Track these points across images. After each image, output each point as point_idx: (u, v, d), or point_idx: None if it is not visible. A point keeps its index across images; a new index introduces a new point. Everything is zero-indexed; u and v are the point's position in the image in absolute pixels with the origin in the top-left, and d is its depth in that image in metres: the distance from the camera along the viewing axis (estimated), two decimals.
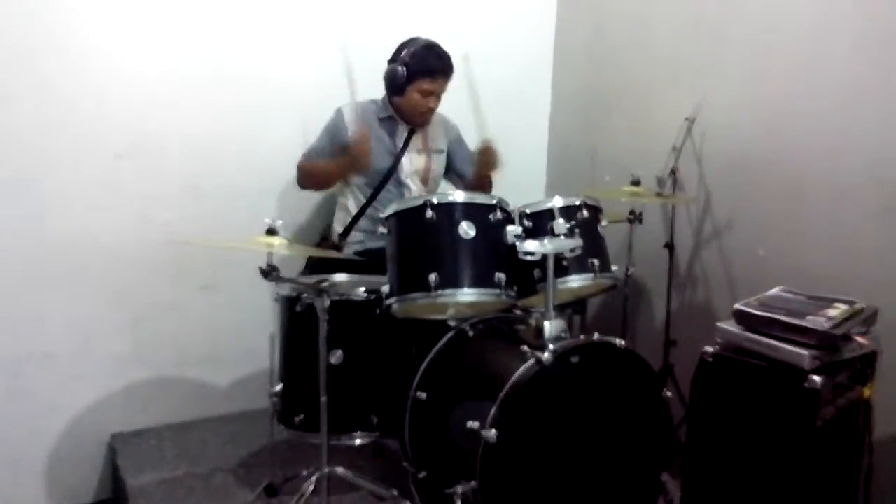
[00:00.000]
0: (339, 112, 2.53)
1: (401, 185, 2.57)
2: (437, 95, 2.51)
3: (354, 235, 2.56)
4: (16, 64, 2.31)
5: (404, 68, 2.43)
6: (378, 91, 2.56)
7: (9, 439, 2.42)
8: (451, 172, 2.74)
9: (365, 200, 2.54)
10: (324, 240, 2.69)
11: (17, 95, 2.32)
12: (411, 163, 2.60)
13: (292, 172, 2.76)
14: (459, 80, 2.52)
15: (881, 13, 2.03)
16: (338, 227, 2.61)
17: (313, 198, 2.81)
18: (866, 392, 1.75)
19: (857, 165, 2.10)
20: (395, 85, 2.47)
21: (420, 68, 2.43)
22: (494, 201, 1.93)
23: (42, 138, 2.37)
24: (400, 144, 2.57)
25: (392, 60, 2.49)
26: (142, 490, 2.25)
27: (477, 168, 2.63)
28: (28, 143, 2.36)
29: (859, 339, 1.72)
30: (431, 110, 2.53)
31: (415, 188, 2.59)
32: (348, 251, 2.52)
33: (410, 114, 2.53)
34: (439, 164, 2.69)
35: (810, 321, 1.70)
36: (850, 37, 2.11)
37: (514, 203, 2.02)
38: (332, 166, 2.49)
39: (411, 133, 2.58)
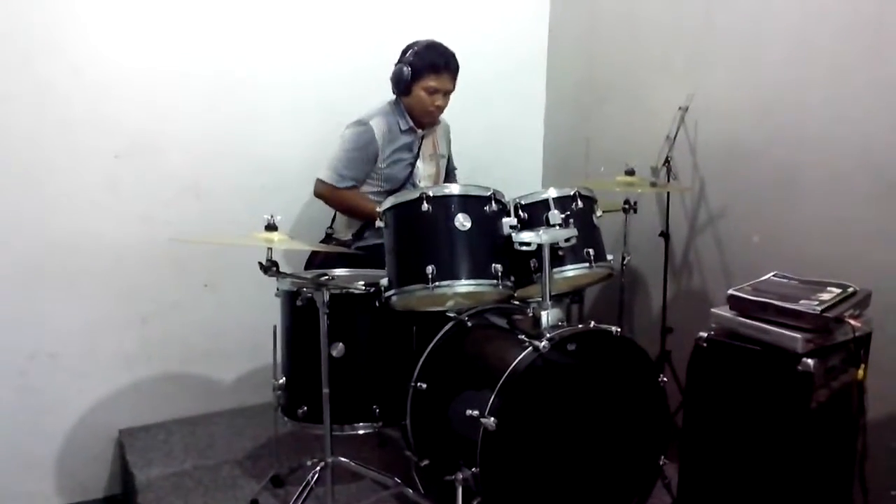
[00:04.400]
0: (367, 128, 2.49)
1: (416, 188, 2.60)
2: (443, 93, 2.52)
3: (369, 238, 2.55)
4: (14, 65, 2.34)
5: (409, 67, 2.46)
6: (375, 91, 2.58)
7: (18, 437, 2.46)
8: None
9: None
10: (328, 239, 2.70)
11: (15, 97, 2.35)
12: (424, 168, 2.64)
13: (291, 170, 2.78)
14: (458, 79, 2.55)
15: (870, 0, 2.03)
16: (343, 228, 2.62)
17: (312, 196, 2.84)
18: (860, 374, 1.76)
19: (848, 152, 2.12)
20: (401, 85, 2.50)
21: (423, 65, 2.46)
22: (489, 193, 1.95)
23: (42, 140, 2.40)
24: (416, 152, 2.60)
25: (398, 63, 2.52)
26: (150, 484, 2.29)
27: None
28: (29, 144, 2.39)
29: (852, 321, 1.73)
30: (439, 108, 2.55)
31: None
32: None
33: (419, 113, 2.55)
34: (443, 168, 2.75)
35: (803, 305, 1.72)
36: (840, 24, 2.12)
37: (513, 196, 2.04)
38: (373, 211, 2.15)
39: (422, 139, 2.62)
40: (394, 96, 2.58)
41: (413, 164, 2.59)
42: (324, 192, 2.54)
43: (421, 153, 2.62)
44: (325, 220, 2.73)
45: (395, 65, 2.52)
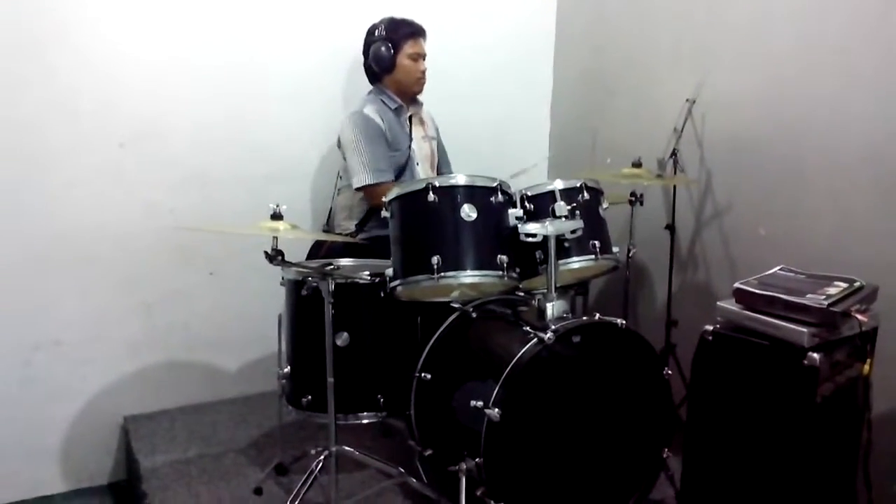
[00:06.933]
0: (364, 116, 2.49)
1: (414, 172, 2.59)
2: (423, 58, 2.57)
3: (372, 229, 2.54)
4: (22, 53, 2.33)
5: (387, 42, 2.49)
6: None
7: (24, 424, 2.48)
8: None
9: None
10: (327, 233, 2.69)
11: (22, 85, 2.35)
12: (420, 150, 2.64)
13: (296, 160, 2.78)
14: (463, 70, 2.53)
15: None
16: (343, 219, 2.61)
17: (317, 184, 2.84)
18: (865, 369, 1.76)
19: (855, 145, 2.10)
20: (383, 63, 2.52)
21: (401, 35, 2.51)
22: (496, 184, 1.94)
23: (48, 128, 2.40)
24: (408, 131, 2.60)
25: (367, 46, 2.55)
26: (155, 471, 2.30)
27: None
28: (34, 132, 2.38)
29: (859, 316, 1.72)
30: (424, 73, 2.59)
31: (424, 176, 2.61)
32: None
33: (408, 83, 2.57)
34: (436, 149, 2.75)
35: (809, 299, 1.71)
36: (845, 17, 2.10)
37: (519, 187, 2.03)
38: None
39: (411, 120, 2.62)
40: (371, 85, 2.60)
41: (409, 147, 2.58)
42: (379, 193, 2.38)
43: (413, 135, 2.61)
44: (326, 209, 2.73)
45: (368, 48, 2.55)
